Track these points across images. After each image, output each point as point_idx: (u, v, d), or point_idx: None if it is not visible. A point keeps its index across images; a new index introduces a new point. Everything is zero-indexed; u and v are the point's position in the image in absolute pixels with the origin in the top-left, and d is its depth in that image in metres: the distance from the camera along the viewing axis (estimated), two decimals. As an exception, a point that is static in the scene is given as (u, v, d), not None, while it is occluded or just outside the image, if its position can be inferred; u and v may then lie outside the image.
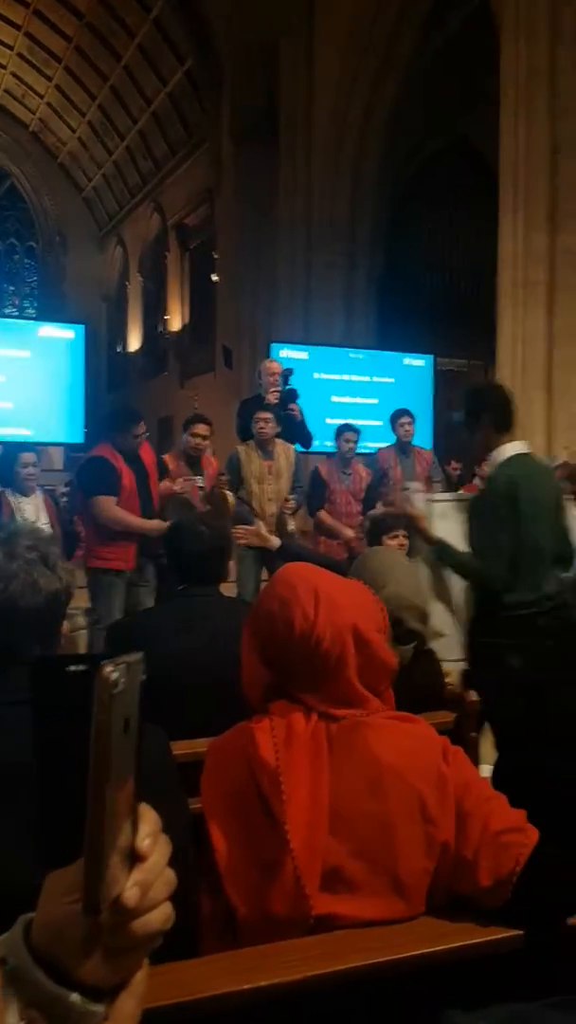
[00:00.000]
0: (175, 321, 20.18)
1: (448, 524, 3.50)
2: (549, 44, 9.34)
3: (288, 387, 6.77)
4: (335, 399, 9.79)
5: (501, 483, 3.20)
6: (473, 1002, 1.31)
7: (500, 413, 3.35)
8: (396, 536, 4.19)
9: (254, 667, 1.52)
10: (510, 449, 3.32)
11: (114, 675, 0.53)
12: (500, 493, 3.18)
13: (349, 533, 6.48)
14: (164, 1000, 1.11)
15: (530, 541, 3.15)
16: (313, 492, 6.69)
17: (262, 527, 5.16)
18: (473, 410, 3.38)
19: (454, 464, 8.83)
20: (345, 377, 10.06)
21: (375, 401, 9.80)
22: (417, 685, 2.04)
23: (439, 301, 15.71)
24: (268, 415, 6.21)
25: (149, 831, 0.56)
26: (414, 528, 3.57)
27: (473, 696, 2.38)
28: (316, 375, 9.69)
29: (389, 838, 1.37)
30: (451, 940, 1.32)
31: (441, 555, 3.29)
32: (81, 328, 9.79)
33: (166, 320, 20.46)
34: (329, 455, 7.04)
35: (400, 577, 2.33)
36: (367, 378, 10.18)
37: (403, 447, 7.04)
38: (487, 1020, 0.57)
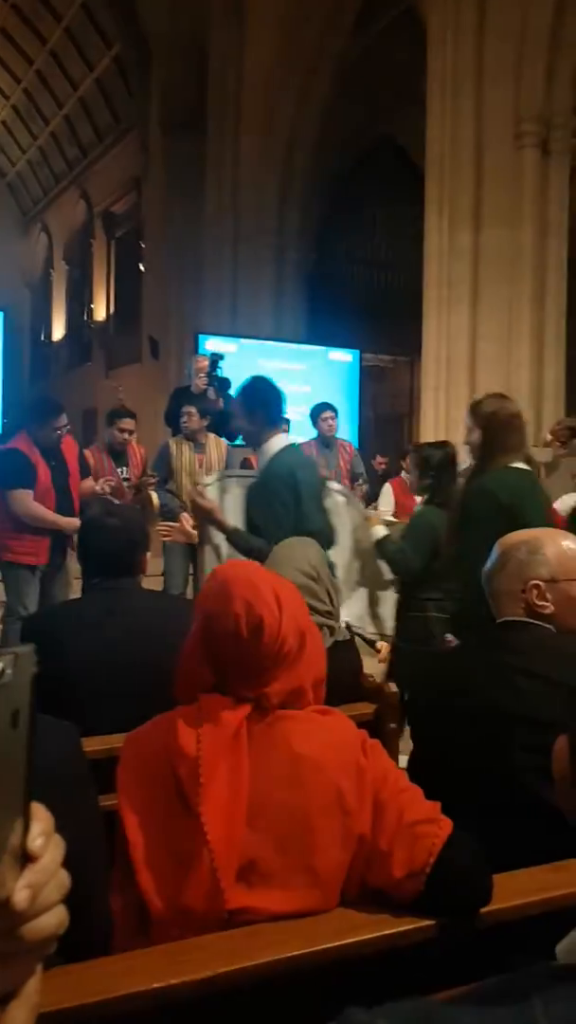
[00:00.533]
0: (100, 310, 19.89)
1: (229, 498, 3.88)
2: (475, 45, 9.46)
3: (219, 375, 6.70)
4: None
5: (281, 470, 3.45)
6: (383, 996, 1.32)
7: (271, 408, 3.62)
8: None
9: (196, 667, 1.50)
10: (281, 440, 3.59)
11: None
12: (281, 478, 3.41)
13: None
14: (69, 1003, 1.08)
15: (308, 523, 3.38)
16: None
17: (186, 522, 5.12)
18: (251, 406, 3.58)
19: (380, 459, 8.91)
20: (273, 365, 10.05)
21: (307, 388, 9.80)
22: (334, 678, 2.03)
23: (368, 296, 15.82)
24: (192, 409, 6.15)
25: (41, 830, 0.53)
26: (209, 520, 3.71)
27: (392, 688, 2.39)
28: (243, 366, 9.66)
29: (306, 830, 1.36)
30: (364, 932, 1.31)
31: (235, 540, 3.45)
32: (0, 314, 9.57)
33: (91, 309, 20.15)
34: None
35: (304, 569, 2.33)
36: (295, 367, 10.19)
37: (325, 441, 7.05)
38: (387, 1018, 0.56)
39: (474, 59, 9.47)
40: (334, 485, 4.42)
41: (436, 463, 4.20)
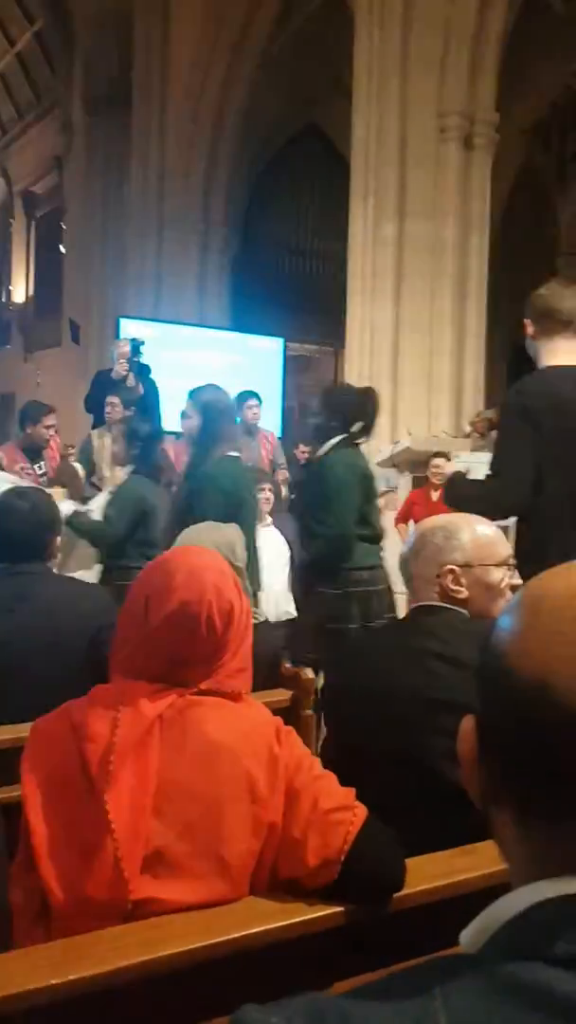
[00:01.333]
0: (19, 292, 19.42)
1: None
2: (402, 36, 9.49)
3: (139, 361, 6.58)
4: (183, 378, 9.66)
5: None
6: (292, 987, 1.29)
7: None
8: (262, 490, 4.20)
9: (141, 656, 1.44)
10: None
11: None
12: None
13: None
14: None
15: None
16: None
17: None
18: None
19: (302, 447, 8.89)
20: (197, 352, 9.95)
21: (231, 376, 9.70)
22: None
23: (293, 285, 15.78)
24: (116, 399, 6.03)
25: None
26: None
27: (309, 674, 2.38)
28: (165, 353, 9.53)
29: (216, 819, 1.33)
30: (272, 920, 1.29)
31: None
32: None
33: (10, 291, 19.65)
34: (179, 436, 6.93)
35: (225, 554, 2.30)
36: (219, 355, 10.10)
37: (248, 429, 7.00)
38: (280, 1015, 0.53)
39: (400, 51, 9.50)
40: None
41: (143, 435, 4.42)
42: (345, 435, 3.92)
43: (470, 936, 0.60)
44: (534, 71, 14.78)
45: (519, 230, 16.37)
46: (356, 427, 3.94)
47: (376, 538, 3.95)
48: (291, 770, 1.39)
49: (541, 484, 2.55)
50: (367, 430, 4.01)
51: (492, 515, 2.25)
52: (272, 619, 4.18)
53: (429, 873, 1.41)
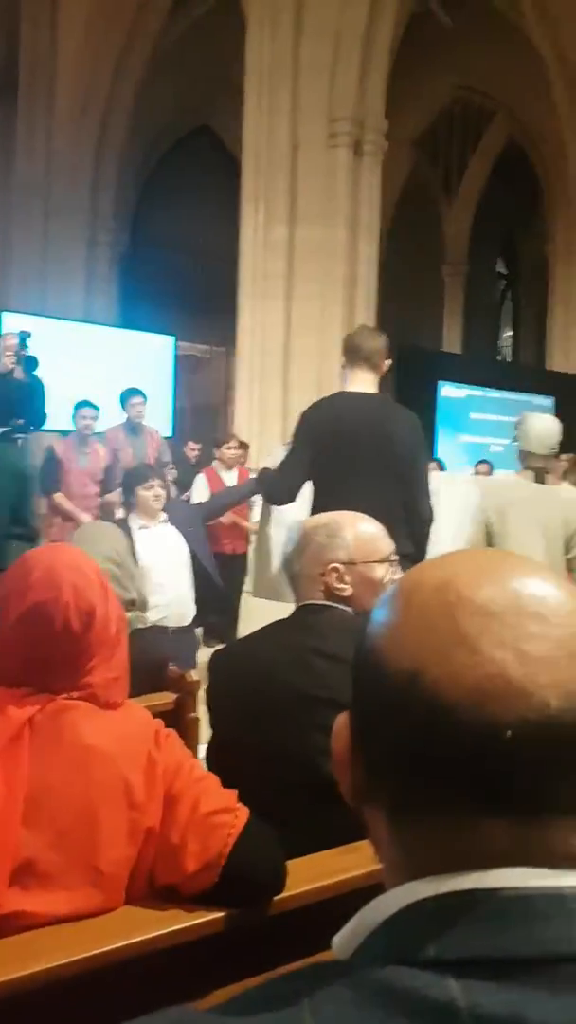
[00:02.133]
0: None
1: None
2: (293, 41, 9.55)
3: (26, 354, 6.38)
4: (71, 375, 9.44)
5: None
6: (174, 996, 1.25)
7: None
8: (151, 487, 4.10)
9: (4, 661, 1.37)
10: None
11: None
12: None
13: (85, 517, 6.24)
14: None
15: None
16: (47, 473, 6.35)
17: None
18: None
19: (192, 445, 8.83)
20: (84, 348, 9.74)
21: (118, 373, 9.53)
22: (135, 667, 1.96)
23: (184, 284, 15.65)
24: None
25: None
26: None
27: (194, 676, 2.34)
28: (51, 348, 9.29)
29: (90, 827, 1.28)
30: (150, 930, 1.25)
31: None
32: None
33: None
34: (66, 434, 6.77)
35: (109, 555, 2.25)
36: (106, 351, 9.92)
37: (133, 427, 6.90)
38: (142, 1032, 0.50)
39: (291, 55, 9.56)
40: None
41: None
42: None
43: (342, 940, 0.59)
44: (422, 83, 15.16)
45: (407, 238, 16.72)
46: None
47: (31, 536, 3.69)
48: (170, 774, 1.35)
49: (319, 478, 3.18)
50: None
51: (271, 501, 3.52)
52: (174, 624, 4.08)
53: (311, 874, 1.40)
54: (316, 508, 3.06)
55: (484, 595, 0.56)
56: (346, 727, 0.61)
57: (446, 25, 14.10)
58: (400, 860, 0.57)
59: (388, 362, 3.32)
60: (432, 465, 8.52)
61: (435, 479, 6.10)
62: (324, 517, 1.88)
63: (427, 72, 14.94)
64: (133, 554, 3.35)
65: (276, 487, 3.42)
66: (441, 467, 8.70)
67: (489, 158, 17.54)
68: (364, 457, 3.11)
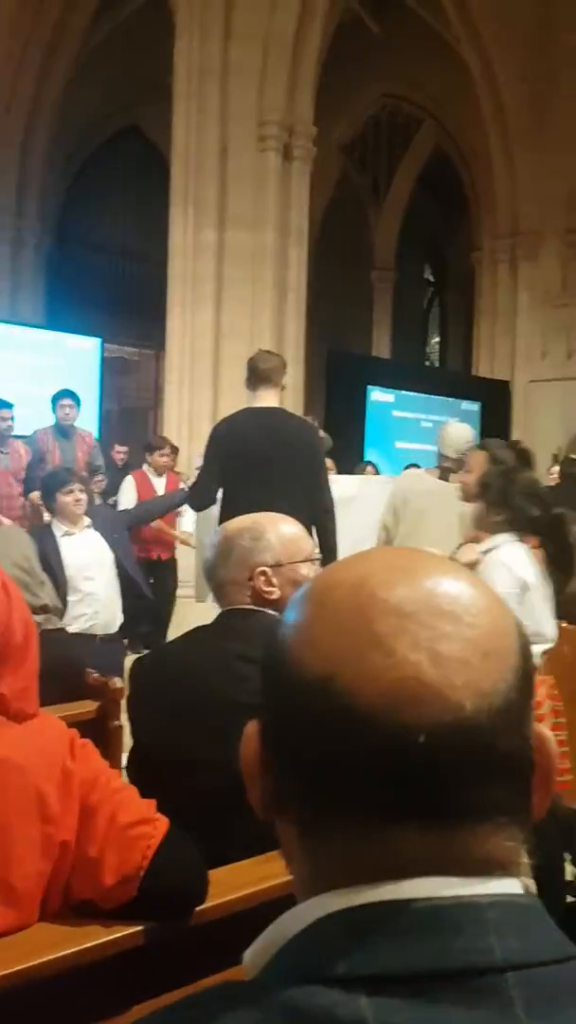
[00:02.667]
0: None
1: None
2: (222, 44, 9.52)
3: None
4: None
5: None
6: (93, 1014, 1.22)
7: None
8: (71, 492, 4.03)
9: None
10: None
11: None
12: None
13: (6, 521, 6.11)
14: None
15: None
16: None
17: None
18: None
19: (118, 448, 8.72)
20: (9, 350, 9.54)
21: (45, 375, 9.36)
22: (51, 675, 1.90)
23: (112, 286, 15.50)
24: None
25: None
26: None
27: (118, 683, 2.29)
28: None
29: (1, 841, 1.23)
30: (66, 947, 1.21)
31: None
32: None
33: None
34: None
35: (18, 561, 2.19)
36: (33, 353, 9.74)
37: (63, 430, 6.79)
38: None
39: (220, 58, 9.54)
40: None
41: None
42: None
43: (253, 957, 0.56)
44: (351, 90, 15.30)
45: (337, 243, 16.84)
46: None
47: None
48: (86, 785, 1.31)
49: (228, 485, 3.65)
50: None
51: (196, 508, 4.25)
52: (100, 632, 4.01)
53: (233, 883, 1.38)
54: (225, 511, 3.48)
55: (398, 595, 0.54)
56: (256, 735, 0.59)
57: (375, 33, 14.28)
58: (311, 873, 0.55)
59: (286, 377, 3.91)
60: (368, 468, 8.60)
61: (355, 482, 6.32)
62: (245, 521, 1.85)
63: (356, 79, 15.08)
64: (46, 559, 3.30)
65: (195, 492, 4.04)
66: (376, 470, 8.74)
67: (416, 166, 17.78)
68: (264, 463, 3.56)
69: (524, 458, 3.33)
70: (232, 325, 9.54)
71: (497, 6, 12.40)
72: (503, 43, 12.74)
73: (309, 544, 1.83)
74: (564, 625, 4.13)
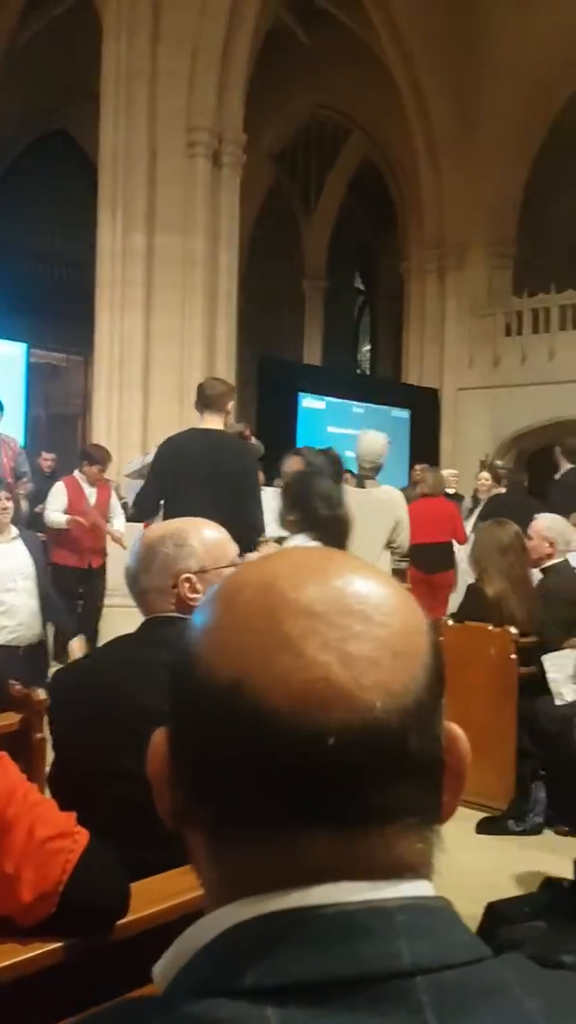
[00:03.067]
0: None
1: None
2: (150, 47, 9.48)
3: None
4: None
5: None
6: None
7: None
8: None
9: None
10: None
11: None
12: None
13: None
14: None
15: None
16: None
17: None
18: None
19: (45, 456, 8.58)
20: None
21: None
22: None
23: (40, 291, 15.27)
24: None
25: None
26: None
27: (41, 695, 2.24)
28: None
29: None
30: (-19, 967, 1.17)
31: None
32: None
33: None
34: None
35: None
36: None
37: (-15, 437, 6.64)
38: None
39: (148, 63, 9.49)
40: None
41: None
42: None
43: (161, 970, 0.55)
44: (282, 98, 15.38)
45: (269, 251, 16.90)
46: None
47: None
48: (2, 799, 1.27)
49: (168, 497, 3.96)
50: None
51: (135, 518, 4.55)
52: (24, 643, 3.95)
53: (157, 895, 1.35)
54: (177, 511, 3.70)
55: (308, 595, 0.53)
56: (163, 742, 0.57)
57: (305, 43, 14.38)
58: (219, 882, 0.54)
59: (232, 403, 4.17)
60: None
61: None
62: (168, 527, 1.83)
63: (287, 88, 15.18)
64: None
65: (139, 505, 4.45)
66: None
67: (346, 176, 17.95)
68: (203, 480, 3.87)
69: (334, 463, 3.91)
70: (162, 330, 9.48)
71: (424, 21, 12.63)
72: (430, 57, 12.97)
73: (233, 549, 1.81)
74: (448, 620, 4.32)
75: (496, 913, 0.94)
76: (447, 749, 0.54)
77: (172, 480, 4.03)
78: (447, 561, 7.09)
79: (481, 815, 3.75)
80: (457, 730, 0.56)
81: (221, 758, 0.52)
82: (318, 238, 18.42)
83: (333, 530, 3.01)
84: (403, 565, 6.48)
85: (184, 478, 3.97)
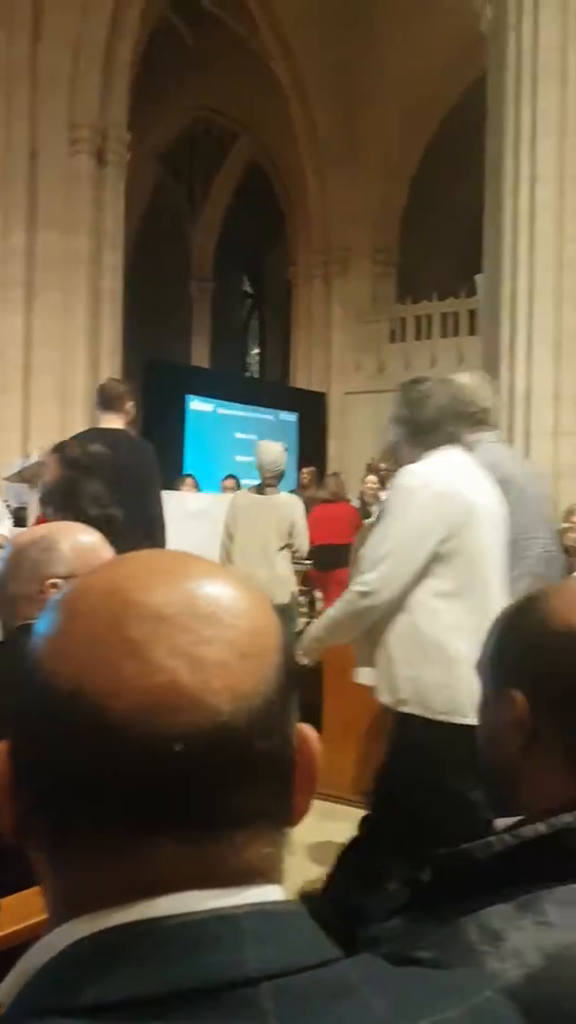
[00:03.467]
0: None
1: None
2: (30, 46, 9.29)
3: None
4: None
5: None
6: None
7: None
8: None
9: None
10: None
11: None
12: None
13: None
14: None
15: None
16: None
17: None
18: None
19: None
20: None
21: None
22: None
23: None
24: None
25: None
26: None
27: None
28: None
29: None
30: None
31: None
32: None
33: None
34: None
35: None
36: None
37: None
38: None
39: (28, 60, 9.30)
40: None
41: None
42: None
43: (3, 992, 0.53)
44: (167, 99, 15.27)
45: (155, 252, 16.75)
46: None
47: None
48: None
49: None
50: None
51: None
52: None
53: (20, 912, 1.31)
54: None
55: (156, 599, 0.52)
56: (4, 755, 0.55)
57: (190, 44, 14.32)
58: (63, 899, 0.52)
59: (131, 403, 4.17)
60: (188, 481, 8.52)
61: (207, 497, 6.64)
62: (37, 531, 1.78)
63: (171, 89, 15.08)
64: None
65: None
66: (196, 482, 8.65)
67: (233, 179, 17.98)
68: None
69: (98, 462, 3.97)
70: (43, 331, 9.28)
71: (310, 27, 12.77)
72: (316, 63, 13.14)
73: (107, 553, 1.77)
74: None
75: (354, 912, 0.95)
76: (298, 749, 0.54)
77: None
78: (344, 560, 7.21)
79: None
80: (308, 730, 0.56)
81: (62, 768, 0.50)
82: (205, 240, 18.38)
83: (104, 530, 3.05)
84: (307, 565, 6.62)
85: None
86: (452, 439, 2.47)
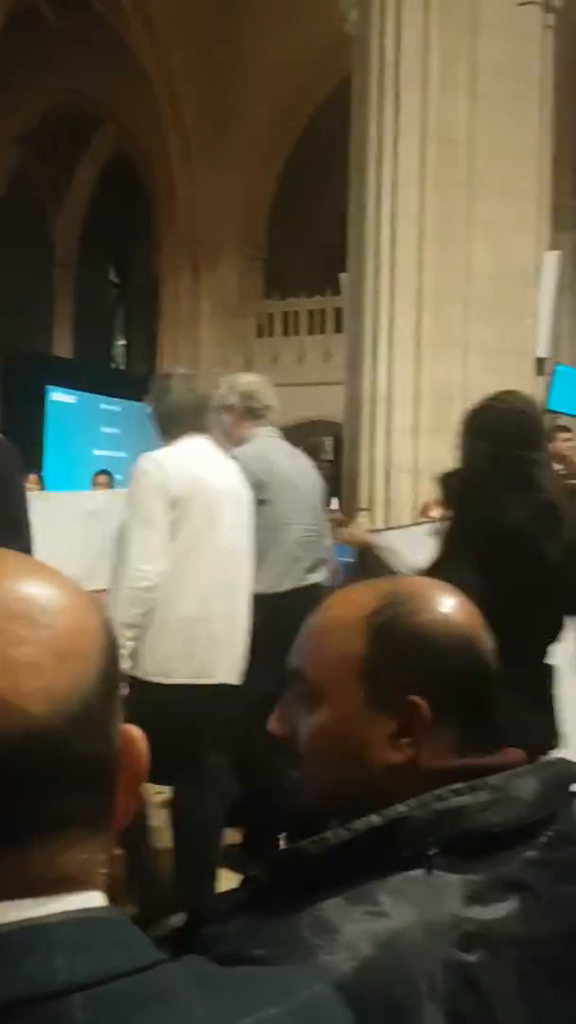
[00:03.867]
0: None
1: None
2: None
3: None
4: None
5: None
6: None
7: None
8: None
9: None
10: None
11: None
12: None
13: None
14: None
15: None
16: None
17: None
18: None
19: None
20: None
21: None
22: None
23: None
24: None
25: None
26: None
27: None
28: None
29: None
30: None
31: None
32: None
33: None
34: None
35: None
36: None
37: None
38: None
39: None
40: None
41: None
42: None
43: None
44: (30, 80, 14.79)
45: (14, 237, 16.20)
46: None
47: None
48: None
49: None
50: None
51: None
52: None
53: None
54: None
55: None
56: None
57: (53, 25, 13.90)
58: None
59: None
60: (32, 479, 8.07)
61: (103, 496, 6.40)
62: None
63: (34, 71, 14.62)
64: None
65: None
66: (41, 482, 8.13)
67: (98, 165, 17.59)
68: None
69: None
70: None
71: (178, 14, 12.60)
72: (183, 52, 12.99)
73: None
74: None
75: (196, 913, 0.95)
76: (123, 750, 0.53)
77: None
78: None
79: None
80: (134, 730, 0.55)
81: None
82: (68, 226, 17.91)
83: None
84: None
85: None
86: (196, 429, 2.73)
